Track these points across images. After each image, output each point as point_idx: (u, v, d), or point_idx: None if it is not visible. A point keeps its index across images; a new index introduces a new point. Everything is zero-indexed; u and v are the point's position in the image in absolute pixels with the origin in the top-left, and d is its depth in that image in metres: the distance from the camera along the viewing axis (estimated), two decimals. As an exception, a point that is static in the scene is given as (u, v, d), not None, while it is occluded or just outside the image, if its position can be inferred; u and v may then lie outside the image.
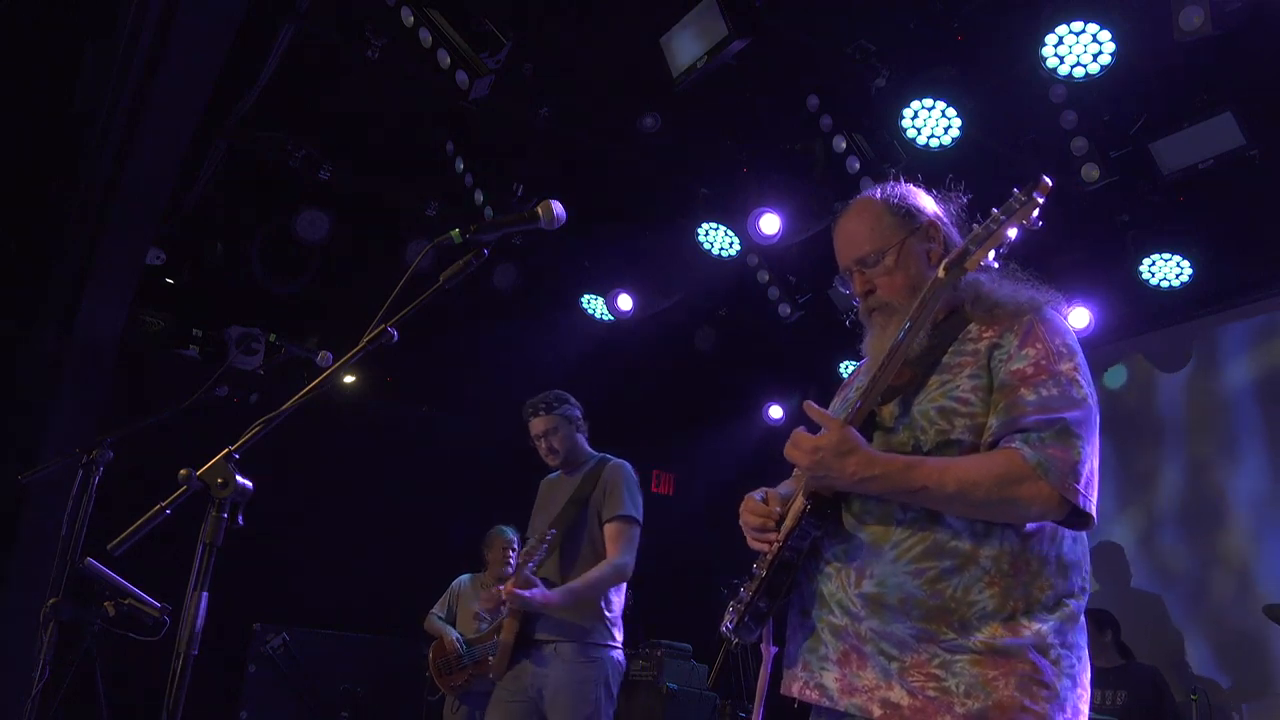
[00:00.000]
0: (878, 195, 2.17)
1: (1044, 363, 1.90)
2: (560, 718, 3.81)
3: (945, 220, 2.14)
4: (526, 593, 3.80)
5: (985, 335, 1.98)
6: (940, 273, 1.94)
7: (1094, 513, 1.86)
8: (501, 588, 3.92)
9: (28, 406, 5.98)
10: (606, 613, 3.96)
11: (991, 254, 1.88)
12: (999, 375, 1.92)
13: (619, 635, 4.03)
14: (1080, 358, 1.96)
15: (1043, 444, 1.83)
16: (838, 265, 2.19)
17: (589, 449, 4.31)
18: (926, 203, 2.16)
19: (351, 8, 4.88)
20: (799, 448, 1.91)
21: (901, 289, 2.07)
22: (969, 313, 2.03)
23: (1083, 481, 1.83)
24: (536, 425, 4.21)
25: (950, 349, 2.00)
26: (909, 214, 2.12)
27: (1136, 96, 4.84)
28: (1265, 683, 5.45)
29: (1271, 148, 4.74)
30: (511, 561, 5.97)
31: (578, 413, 4.29)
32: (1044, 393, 1.87)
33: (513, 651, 3.94)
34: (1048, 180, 1.83)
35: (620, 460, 4.22)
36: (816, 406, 1.98)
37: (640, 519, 4.07)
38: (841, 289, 2.23)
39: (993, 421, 1.90)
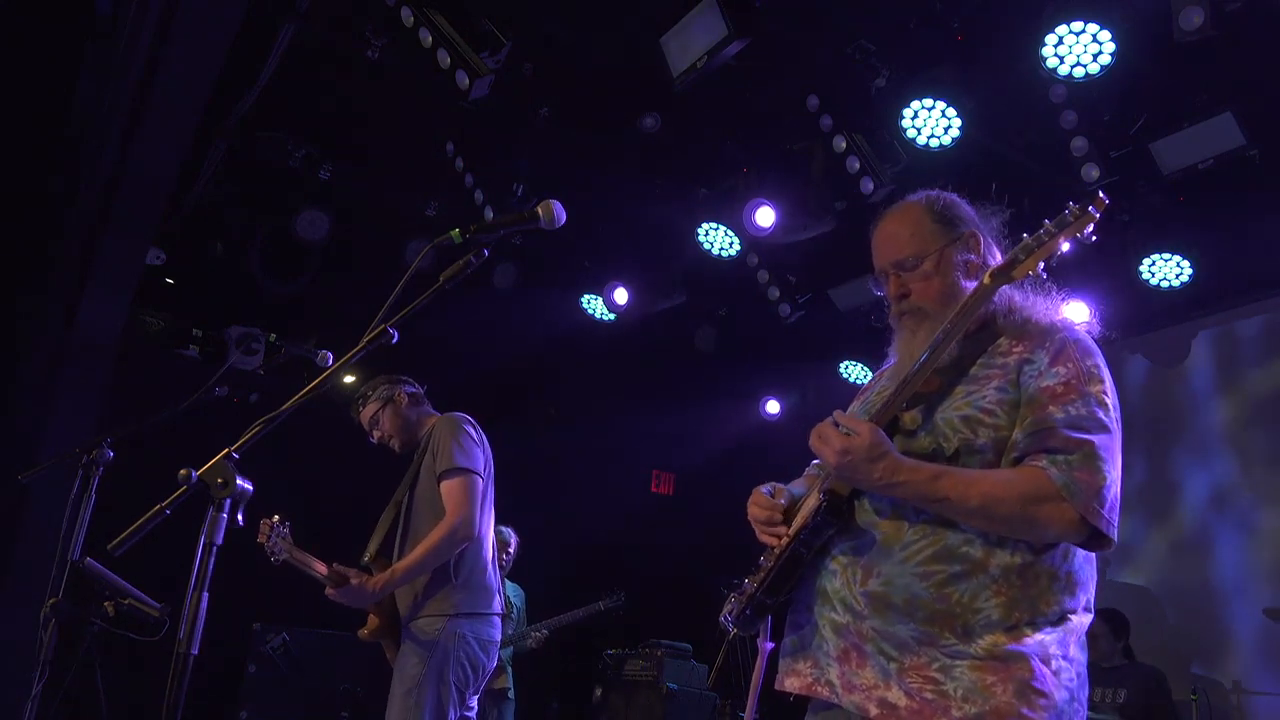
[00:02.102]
0: (923, 201, 2.17)
1: (1074, 382, 1.90)
2: (392, 698, 3.51)
3: (984, 234, 2.15)
4: (347, 588, 3.52)
5: (1015, 350, 1.98)
6: (986, 279, 1.94)
7: (1115, 537, 1.86)
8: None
9: (28, 406, 5.97)
10: (454, 578, 3.57)
11: (1040, 265, 1.88)
12: (1028, 390, 1.91)
13: (472, 600, 3.60)
14: (1110, 383, 1.96)
15: (1069, 466, 1.83)
16: (873, 265, 2.19)
17: (426, 414, 3.94)
18: (969, 214, 2.17)
19: (351, 8, 4.88)
20: (828, 444, 1.90)
21: (936, 295, 2.07)
22: (1000, 326, 2.04)
23: (1107, 506, 1.84)
24: (362, 421, 3.93)
25: (979, 361, 2.00)
26: (951, 222, 2.12)
27: (1136, 96, 4.84)
28: (1265, 683, 5.45)
29: (1271, 148, 4.74)
30: (508, 562, 5.97)
31: (403, 388, 3.92)
32: (1072, 411, 1.87)
33: (392, 643, 3.69)
34: (1104, 198, 1.84)
35: (449, 414, 3.82)
36: (846, 415, 1.97)
37: (475, 468, 3.63)
38: (875, 290, 2.23)
39: (1018, 436, 1.90)
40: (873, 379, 2.38)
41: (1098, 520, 1.82)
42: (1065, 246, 1.86)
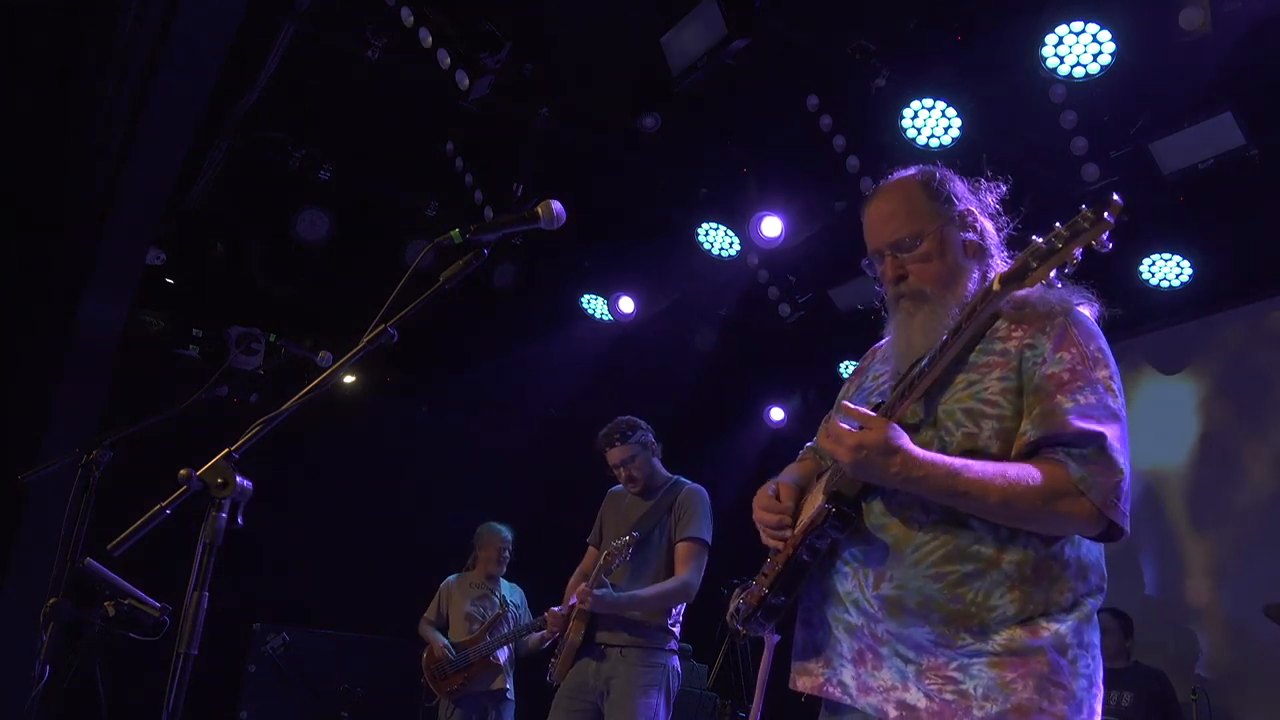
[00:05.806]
0: (918, 176, 2.08)
1: (1080, 368, 1.85)
2: (620, 717, 3.97)
3: (981, 210, 2.07)
4: (599, 591, 4.00)
5: (1014, 334, 1.91)
6: (995, 285, 1.82)
7: (1129, 529, 1.83)
8: (575, 596, 4.12)
9: (28, 406, 5.97)
10: (668, 620, 4.15)
11: (1053, 272, 1.74)
12: (1033, 379, 1.85)
13: (675, 643, 4.20)
14: (1114, 365, 1.91)
15: (1085, 460, 1.79)
16: (866, 246, 2.09)
17: (664, 472, 4.41)
18: (964, 190, 2.09)
19: (351, 8, 4.88)
20: (841, 443, 1.83)
21: (936, 277, 1.99)
22: (997, 308, 1.94)
23: (1123, 499, 1.81)
24: (614, 455, 4.30)
25: (977, 347, 1.92)
26: (948, 199, 2.04)
27: (1136, 96, 4.83)
28: (1266, 684, 5.45)
29: (1271, 148, 4.74)
30: (505, 560, 5.97)
31: (650, 437, 4.37)
32: (1082, 400, 1.82)
33: (571, 656, 4.14)
34: (1118, 199, 1.70)
35: (697, 485, 4.34)
36: (853, 406, 1.91)
37: (710, 543, 4.21)
38: (868, 272, 2.12)
39: (1028, 428, 1.84)
40: (865, 358, 2.30)
41: (1114, 514, 1.80)
42: (1078, 255, 1.72)
